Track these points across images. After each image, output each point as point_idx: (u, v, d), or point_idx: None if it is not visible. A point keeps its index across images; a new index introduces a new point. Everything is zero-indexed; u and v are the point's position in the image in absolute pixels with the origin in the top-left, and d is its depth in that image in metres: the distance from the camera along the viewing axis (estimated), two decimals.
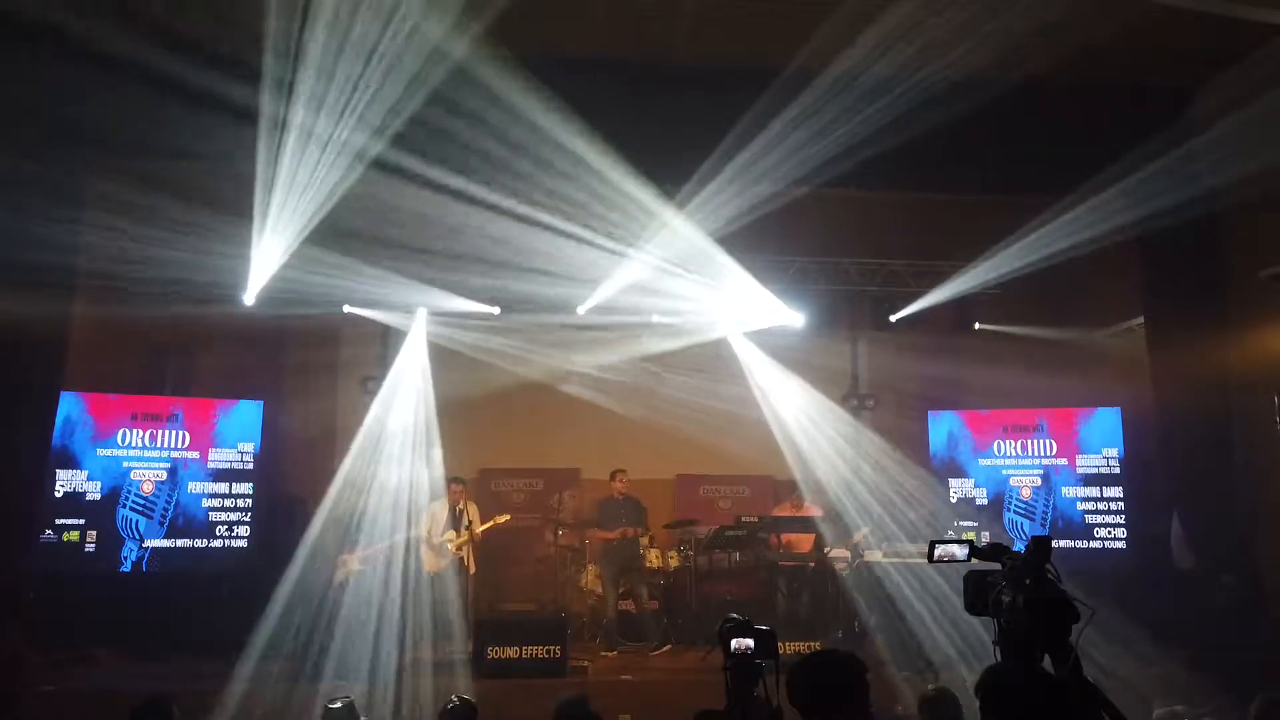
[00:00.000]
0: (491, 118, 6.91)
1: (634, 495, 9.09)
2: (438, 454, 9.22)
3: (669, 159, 7.80)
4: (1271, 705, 4.15)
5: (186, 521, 8.67)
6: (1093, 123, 7.89)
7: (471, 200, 7.75)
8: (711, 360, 10.35)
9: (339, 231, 8.21)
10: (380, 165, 7.30)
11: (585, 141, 7.29)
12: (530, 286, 9.14)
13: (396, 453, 9.18)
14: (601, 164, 7.56)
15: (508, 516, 8.89)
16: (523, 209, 7.98)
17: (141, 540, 8.49)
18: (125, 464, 8.56)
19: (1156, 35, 7.19)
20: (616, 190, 7.84)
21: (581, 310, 9.66)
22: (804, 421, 10.01)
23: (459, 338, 10.00)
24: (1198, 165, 7.58)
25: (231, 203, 7.66)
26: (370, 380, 10.28)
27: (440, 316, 9.82)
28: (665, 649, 8.50)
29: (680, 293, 9.48)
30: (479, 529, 8.63)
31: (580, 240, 8.43)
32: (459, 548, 8.50)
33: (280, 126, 6.95)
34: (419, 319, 9.81)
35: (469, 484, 9.14)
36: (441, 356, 9.82)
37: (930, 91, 7.24)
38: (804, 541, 9.38)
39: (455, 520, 8.59)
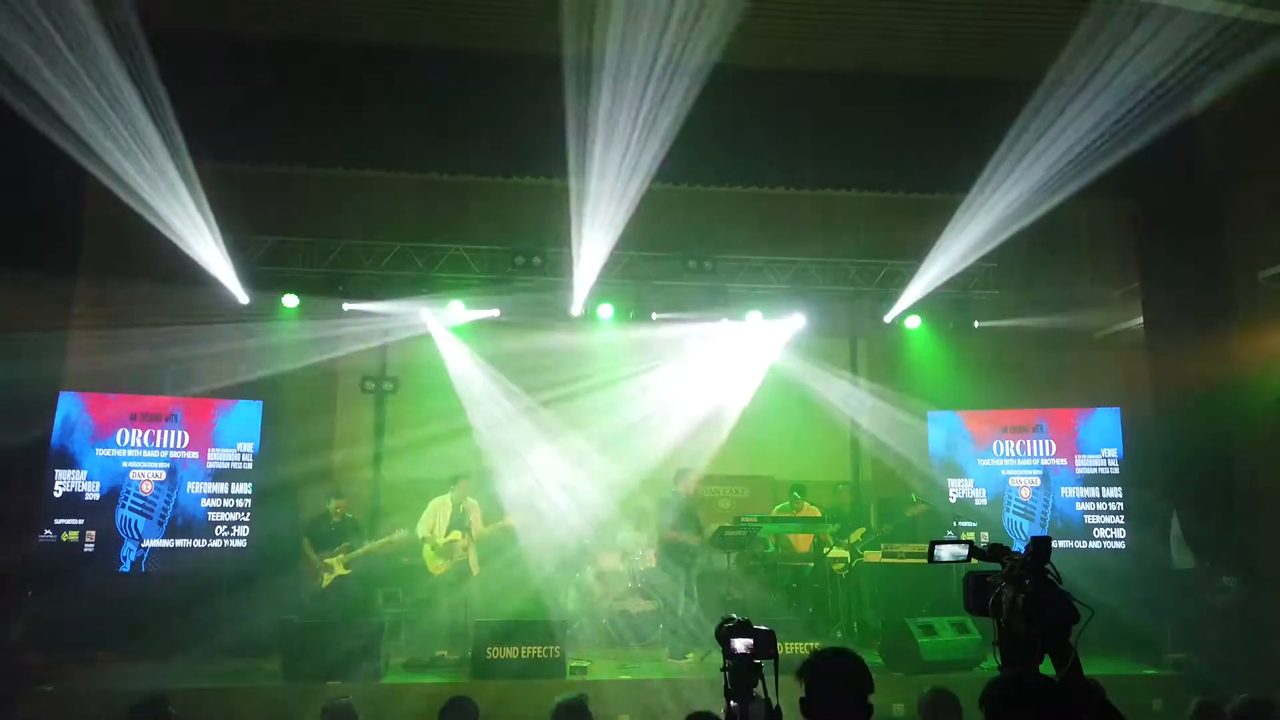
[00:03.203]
0: None
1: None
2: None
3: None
4: (1250, 706, 4.14)
5: (186, 521, 8.66)
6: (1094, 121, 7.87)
7: None
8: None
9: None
10: None
11: None
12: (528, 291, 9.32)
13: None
14: None
15: (510, 520, 8.78)
16: None
17: (141, 540, 8.48)
18: (124, 464, 8.55)
19: (1156, 35, 7.18)
20: None
21: (575, 311, 9.77)
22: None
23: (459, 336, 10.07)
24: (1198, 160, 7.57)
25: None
26: (370, 380, 10.28)
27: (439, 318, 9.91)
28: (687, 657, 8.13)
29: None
30: (482, 530, 8.52)
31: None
32: (465, 549, 8.37)
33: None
34: (429, 321, 9.92)
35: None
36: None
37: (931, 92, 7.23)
38: (804, 541, 9.38)
39: (459, 520, 8.41)
